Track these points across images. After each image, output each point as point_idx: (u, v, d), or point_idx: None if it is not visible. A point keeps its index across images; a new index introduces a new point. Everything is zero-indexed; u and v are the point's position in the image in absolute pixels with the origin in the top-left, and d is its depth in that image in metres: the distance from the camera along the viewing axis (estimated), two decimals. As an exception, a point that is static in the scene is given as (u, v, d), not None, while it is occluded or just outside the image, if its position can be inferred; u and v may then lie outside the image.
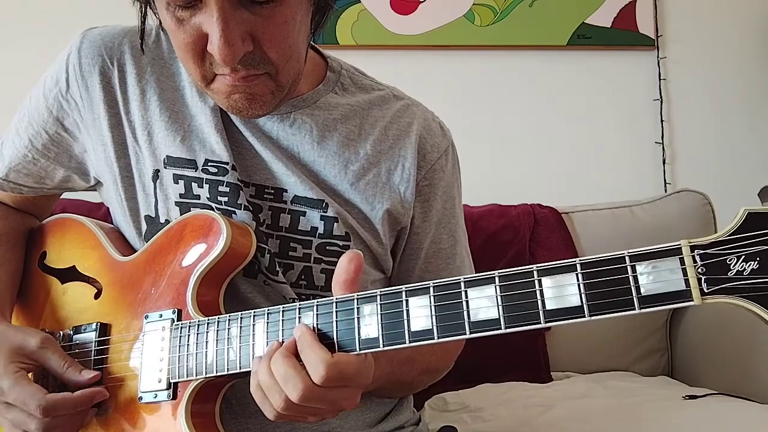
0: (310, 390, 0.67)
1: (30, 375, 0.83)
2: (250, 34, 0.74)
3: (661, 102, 2.20)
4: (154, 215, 0.90)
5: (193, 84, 0.91)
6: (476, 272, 1.05)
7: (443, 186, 0.99)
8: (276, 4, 0.74)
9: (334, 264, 0.89)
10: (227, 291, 0.86)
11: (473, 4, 2.15)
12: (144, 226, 0.91)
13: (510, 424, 1.27)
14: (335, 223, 0.90)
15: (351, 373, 0.68)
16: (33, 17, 2.01)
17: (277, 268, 0.88)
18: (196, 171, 0.89)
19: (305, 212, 0.90)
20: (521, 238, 1.73)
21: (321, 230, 0.90)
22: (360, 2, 2.10)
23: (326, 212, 0.90)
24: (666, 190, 2.15)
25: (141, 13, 0.78)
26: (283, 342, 0.72)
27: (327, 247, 0.90)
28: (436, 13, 2.13)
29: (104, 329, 0.88)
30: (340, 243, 0.91)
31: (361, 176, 0.93)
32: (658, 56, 2.20)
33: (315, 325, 0.72)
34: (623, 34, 2.19)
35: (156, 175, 0.90)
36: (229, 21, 0.72)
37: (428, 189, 0.98)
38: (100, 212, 1.43)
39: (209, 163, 0.89)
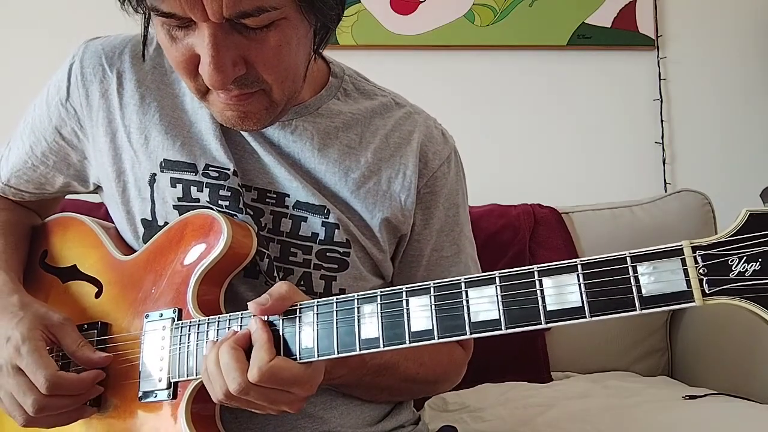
0: (247, 385, 0.69)
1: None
2: (242, 58, 0.74)
3: (661, 102, 2.20)
4: (150, 218, 0.90)
5: None
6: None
7: (445, 193, 0.99)
8: (270, 29, 0.73)
9: (334, 270, 0.90)
10: (227, 291, 0.86)
11: (473, 4, 2.15)
12: (141, 230, 0.91)
13: (510, 424, 1.27)
14: (336, 230, 0.90)
15: (287, 379, 0.70)
16: (35, 22, 2.01)
17: (275, 273, 0.88)
18: (195, 175, 0.89)
19: (307, 218, 0.90)
20: (521, 238, 1.73)
21: (322, 236, 0.90)
22: (360, 2, 2.10)
23: (328, 218, 0.90)
24: (666, 190, 2.15)
25: (144, 19, 0.78)
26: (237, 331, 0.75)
27: (327, 254, 0.90)
28: (436, 13, 2.13)
29: (105, 328, 0.88)
30: (341, 250, 0.91)
31: (361, 184, 0.93)
32: (658, 56, 2.20)
33: (315, 323, 0.72)
34: (623, 34, 2.19)
35: (153, 178, 0.90)
36: (220, 47, 0.71)
37: (430, 196, 0.97)
38: (100, 212, 1.43)
39: (210, 168, 0.89)
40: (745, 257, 0.56)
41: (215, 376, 0.72)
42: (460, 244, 1.01)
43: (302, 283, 0.89)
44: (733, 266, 0.56)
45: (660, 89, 2.20)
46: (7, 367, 0.80)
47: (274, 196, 0.90)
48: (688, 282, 0.57)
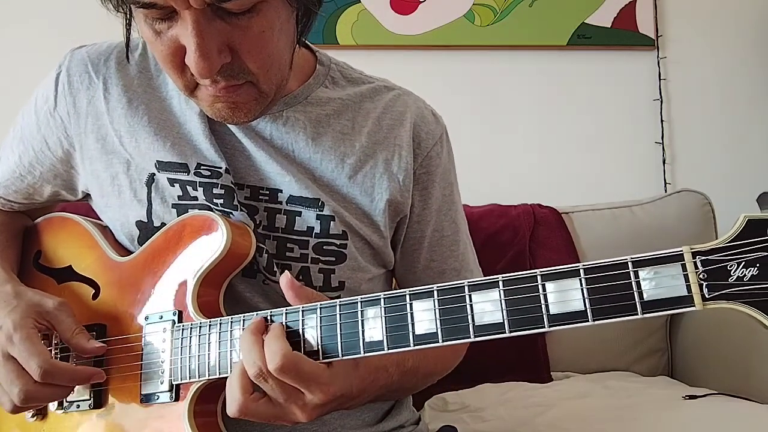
0: (265, 372, 0.68)
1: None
2: (227, 45, 0.73)
3: (661, 102, 2.20)
4: (146, 220, 0.90)
5: (181, 92, 0.91)
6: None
7: (440, 173, 0.99)
8: (253, 14, 0.73)
9: (332, 263, 0.90)
10: (225, 291, 0.86)
11: (473, 4, 2.15)
12: (136, 232, 0.91)
13: (510, 424, 1.27)
14: (332, 222, 0.90)
15: (308, 372, 0.69)
16: (35, 22, 2.01)
17: (275, 269, 0.88)
18: (188, 174, 0.89)
19: (301, 212, 0.90)
20: (521, 238, 1.73)
21: (317, 230, 0.90)
22: (360, 2, 2.10)
23: (322, 211, 0.90)
24: (666, 190, 2.15)
25: (125, 21, 0.78)
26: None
27: (324, 247, 0.90)
28: (436, 13, 2.13)
29: (103, 330, 0.87)
30: (337, 242, 0.91)
31: (358, 169, 0.93)
32: (658, 56, 2.21)
33: (319, 327, 0.72)
34: (623, 34, 2.19)
35: (151, 178, 0.90)
36: (204, 34, 0.71)
37: (426, 177, 0.98)
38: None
39: (202, 167, 0.89)
40: (743, 262, 0.56)
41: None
42: (457, 222, 1.02)
43: (301, 277, 0.89)
44: (732, 271, 0.57)
45: (660, 89, 2.20)
46: None
47: (267, 192, 0.90)
48: (688, 287, 0.58)
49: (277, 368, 0.67)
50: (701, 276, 0.57)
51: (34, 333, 0.80)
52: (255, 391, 0.71)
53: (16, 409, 0.80)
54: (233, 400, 0.71)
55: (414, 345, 0.67)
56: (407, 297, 0.69)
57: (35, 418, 0.89)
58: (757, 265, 0.56)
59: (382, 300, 0.70)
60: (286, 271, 0.75)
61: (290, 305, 0.75)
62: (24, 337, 0.78)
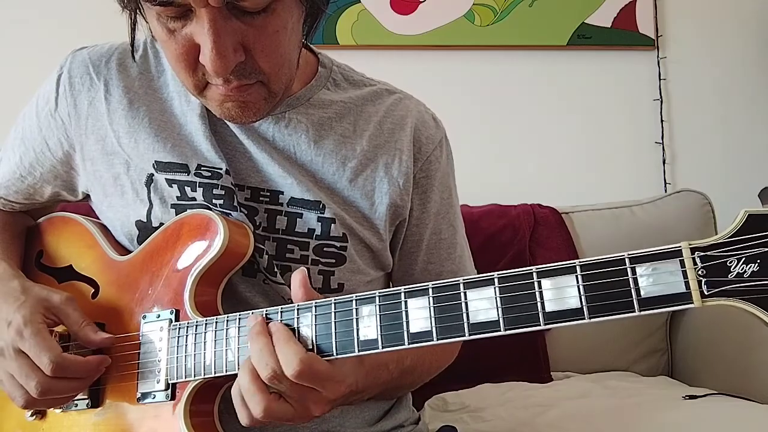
0: (280, 374, 0.68)
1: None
2: (241, 44, 0.74)
3: (661, 102, 2.20)
4: (146, 220, 0.90)
5: (182, 94, 0.92)
6: (476, 269, 1.06)
7: (439, 177, 1.00)
8: (268, 14, 0.73)
9: (332, 265, 0.91)
10: (225, 291, 0.86)
11: (473, 4, 2.15)
12: (136, 232, 0.91)
13: (510, 424, 1.27)
14: (332, 225, 0.90)
15: (323, 372, 0.69)
16: (36, 22, 2.01)
17: (276, 269, 0.88)
18: (188, 175, 0.89)
19: (302, 214, 0.90)
20: (521, 238, 1.73)
21: (318, 232, 0.90)
22: (360, 2, 2.10)
23: (323, 213, 0.90)
24: (666, 190, 2.15)
25: (131, 21, 0.78)
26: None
27: (324, 249, 0.90)
28: (436, 13, 2.13)
29: (102, 329, 0.87)
30: (338, 244, 0.91)
31: (359, 172, 0.93)
32: (658, 56, 2.20)
33: (314, 326, 0.72)
34: (623, 34, 2.19)
35: (150, 179, 0.90)
36: (221, 32, 0.71)
37: (425, 181, 0.98)
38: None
39: (202, 168, 0.89)
40: (743, 258, 0.55)
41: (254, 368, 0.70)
42: (455, 225, 1.03)
43: None
44: (732, 267, 0.56)
45: (660, 89, 2.20)
46: (9, 350, 0.79)
47: (268, 194, 0.90)
48: (686, 283, 0.57)
49: (296, 374, 0.67)
50: (700, 272, 0.57)
51: (43, 328, 0.80)
52: (271, 391, 0.71)
53: (30, 403, 0.81)
54: (257, 404, 0.69)
55: (409, 343, 0.67)
56: (402, 294, 0.68)
57: (34, 417, 0.89)
58: (758, 261, 0.55)
59: (377, 298, 0.69)
60: (303, 267, 0.75)
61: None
62: (34, 332, 0.79)
